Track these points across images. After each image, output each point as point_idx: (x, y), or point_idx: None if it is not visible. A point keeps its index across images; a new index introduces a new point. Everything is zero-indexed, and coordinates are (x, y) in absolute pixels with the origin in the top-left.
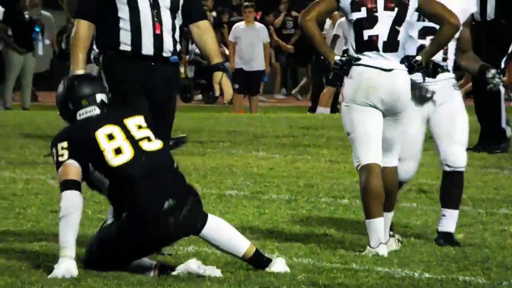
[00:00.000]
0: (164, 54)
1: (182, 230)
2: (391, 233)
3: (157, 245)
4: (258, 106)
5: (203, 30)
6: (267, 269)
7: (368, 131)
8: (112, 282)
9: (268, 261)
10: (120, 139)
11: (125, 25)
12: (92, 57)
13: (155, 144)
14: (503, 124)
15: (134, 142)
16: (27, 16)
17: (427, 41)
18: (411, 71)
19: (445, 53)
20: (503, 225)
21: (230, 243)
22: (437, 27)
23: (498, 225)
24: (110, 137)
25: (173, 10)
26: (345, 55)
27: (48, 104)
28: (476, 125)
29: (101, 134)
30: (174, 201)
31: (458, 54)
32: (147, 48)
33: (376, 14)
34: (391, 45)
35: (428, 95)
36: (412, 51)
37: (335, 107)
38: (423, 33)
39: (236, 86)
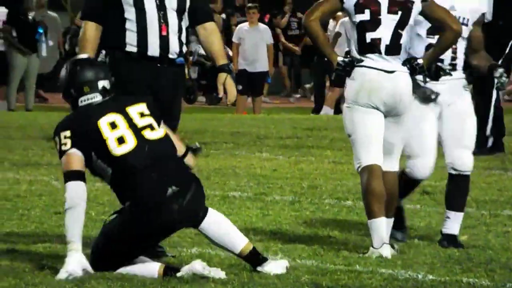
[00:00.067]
0: (170, 56)
1: (186, 216)
2: (394, 246)
3: (161, 234)
4: (261, 107)
5: (210, 32)
6: (259, 268)
7: (369, 132)
8: (116, 283)
9: (264, 260)
10: (123, 128)
11: (131, 26)
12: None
13: (158, 133)
14: (488, 132)
15: (136, 131)
16: (30, 17)
17: (435, 40)
18: (412, 73)
19: (454, 52)
20: (506, 226)
21: (228, 239)
22: None
23: (502, 227)
24: (113, 125)
25: (180, 12)
26: (348, 56)
27: (53, 105)
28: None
29: (103, 123)
30: (177, 188)
31: (469, 53)
32: (153, 49)
33: (379, 17)
34: (394, 48)
35: (433, 96)
36: (420, 49)
37: (338, 108)
38: (431, 31)
39: (240, 87)
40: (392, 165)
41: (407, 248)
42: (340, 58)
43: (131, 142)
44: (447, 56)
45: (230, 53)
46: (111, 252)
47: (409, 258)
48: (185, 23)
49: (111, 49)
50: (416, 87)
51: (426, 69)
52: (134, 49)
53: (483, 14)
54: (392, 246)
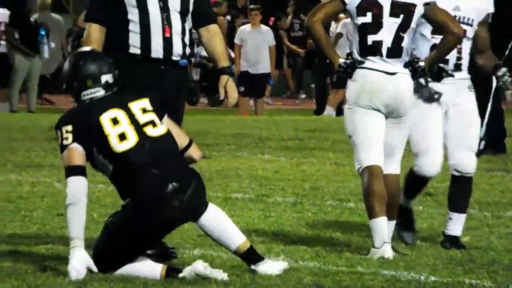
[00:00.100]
0: (174, 58)
1: (187, 212)
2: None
3: (162, 231)
4: (263, 108)
5: (213, 34)
6: (253, 266)
7: (370, 134)
8: (118, 285)
9: (260, 259)
10: (125, 124)
11: (134, 27)
12: None
13: (159, 129)
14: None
15: (138, 127)
16: (32, 19)
17: (439, 40)
18: (414, 75)
19: (459, 52)
20: (509, 228)
21: (226, 235)
22: None
23: (504, 228)
24: (115, 121)
25: (183, 13)
26: (349, 58)
27: (56, 107)
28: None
29: (105, 119)
30: (177, 184)
31: (475, 54)
32: (157, 51)
33: (381, 20)
34: (395, 51)
35: (436, 96)
36: (425, 50)
37: (340, 110)
38: (436, 31)
39: (242, 89)
40: (394, 168)
41: (409, 250)
42: (341, 60)
43: (132, 139)
44: (452, 56)
45: (232, 54)
46: (113, 249)
47: (411, 259)
48: (188, 24)
49: (114, 50)
50: (419, 87)
51: (428, 71)
52: (138, 51)
53: (489, 15)
54: (396, 251)
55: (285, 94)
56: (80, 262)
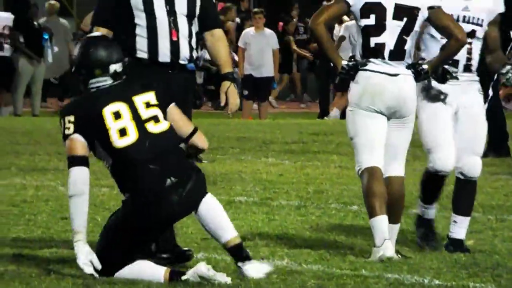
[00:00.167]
0: (181, 61)
1: (186, 207)
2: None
3: (162, 226)
4: (267, 112)
5: (217, 38)
6: (240, 264)
7: (371, 136)
8: None
9: (247, 258)
10: (127, 119)
11: (141, 31)
12: None
13: (161, 125)
14: None
15: (139, 123)
16: (36, 23)
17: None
18: (417, 78)
19: (469, 52)
20: None
21: (218, 226)
22: None
23: (509, 232)
24: (117, 115)
25: (190, 17)
26: (352, 60)
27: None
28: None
29: (108, 112)
30: (176, 179)
31: (485, 53)
32: (164, 55)
33: (384, 22)
34: (398, 53)
35: (441, 96)
36: (435, 51)
37: (344, 113)
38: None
39: (245, 92)
40: (398, 170)
41: (413, 253)
42: (344, 62)
43: (132, 135)
44: (462, 57)
45: (236, 58)
46: (114, 245)
47: (415, 262)
48: (195, 28)
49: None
50: (424, 87)
51: (432, 73)
52: (145, 55)
53: (499, 14)
54: (400, 254)
55: (289, 97)
56: (85, 258)
